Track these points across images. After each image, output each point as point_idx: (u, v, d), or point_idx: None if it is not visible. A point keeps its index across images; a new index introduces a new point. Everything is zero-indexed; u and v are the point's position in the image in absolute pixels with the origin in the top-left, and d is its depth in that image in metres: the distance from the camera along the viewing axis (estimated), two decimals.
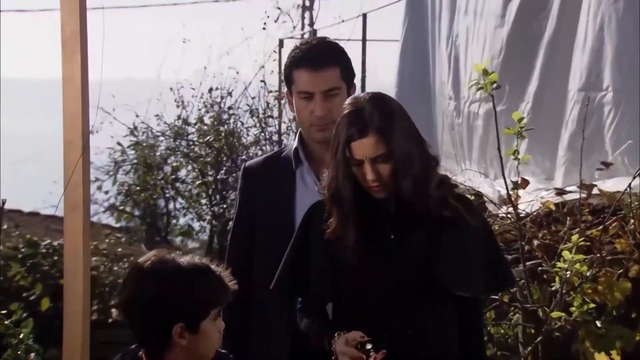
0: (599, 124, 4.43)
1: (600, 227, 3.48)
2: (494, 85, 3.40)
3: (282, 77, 2.95)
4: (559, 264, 3.18)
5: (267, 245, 2.69)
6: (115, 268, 7.91)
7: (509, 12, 5.19)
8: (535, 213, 4.11)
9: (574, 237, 3.22)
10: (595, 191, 3.96)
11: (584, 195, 3.95)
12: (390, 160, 2.35)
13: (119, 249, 8.58)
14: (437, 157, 2.45)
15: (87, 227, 2.94)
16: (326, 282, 2.43)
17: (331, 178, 2.42)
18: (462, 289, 2.41)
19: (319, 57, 2.60)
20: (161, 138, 9.96)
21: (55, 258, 7.19)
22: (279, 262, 2.53)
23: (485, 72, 3.43)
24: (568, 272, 3.12)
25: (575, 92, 4.57)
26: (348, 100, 2.42)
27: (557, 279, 3.20)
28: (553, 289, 3.26)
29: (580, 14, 4.57)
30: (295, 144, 2.75)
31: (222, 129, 9.06)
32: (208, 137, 9.07)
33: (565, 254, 3.15)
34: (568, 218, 3.81)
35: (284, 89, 2.87)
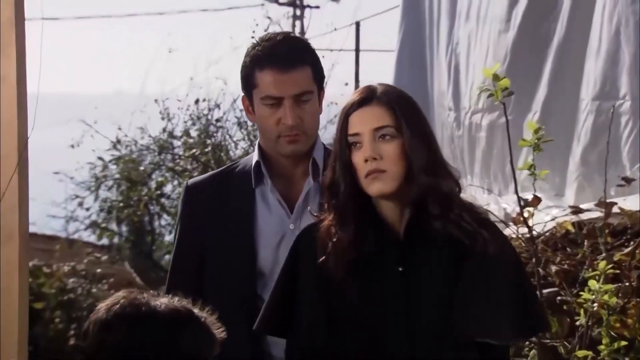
0: (615, 135, 4.13)
1: (626, 250, 3.13)
2: (506, 91, 3.04)
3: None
4: (585, 295, 2.82)
5: (221, 286, 2.26)
6: (94, 290, 7.54)
7: (514, 15, 4.95)
8: (547, 234, 3.76)
9: (602, 264, 2.86)
10: (614, 209, 3.61)
11: (601, 214, 3.60)
12: (398, 138, 1.98)
13: (98, 270, 8.20)
14: (458, 170, 2.08)
15: (24, 263, 2.39)
16: (320, 323, 2.03)
17: (329, 169, 2.06)
18: (488, 334, 1.99)
19: (287, 56, 2.22)
20: (145, 152, 9.63)
21: None
22: (239, 306, 2.16)
23: (496, 78, 3.07)
24: (595, 305, 2.76)
25: (589, 102, 4.32)
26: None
27: (582, 311, 2.84)
28: (578, 323, 2.90)
29: (594, 16, 4.33)
30: (255, 157, 2.34)
31: (209, 142, 8.79)
32: (194, 151, 8.76)
33: (592, 283, 2.79)
34: (586, 240, 3.46)
35: None
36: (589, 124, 4.30)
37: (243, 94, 2.31)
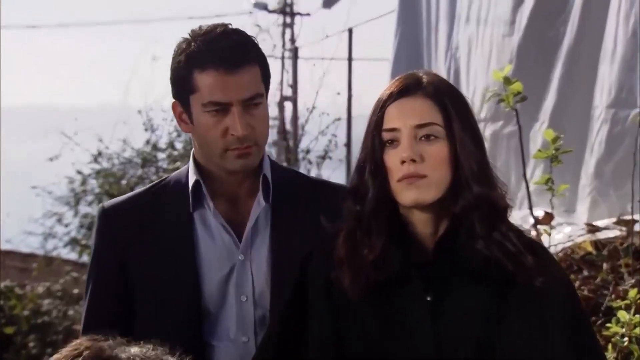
0: (632, 146, 3.84)
1: None
2: (519, 96, 2.75)
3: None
4: (613, 327, 2.51)
5: (157, 333, 1.79)
6: (71, 312, 7.19)
7: (519, 17, 4.72)
8: (561, 254, 3.47)
9: (632, 292, 2.56)
10: (636, 227, 3.33)
11: (622, 233, 3.33)
12: (444, 139, 1.67)
13: (76, 290, 7.86)
14: (504, 183, 1.75)
15: None
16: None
17: (355, 169, 1.73)
18: None
19: (233, 53, 1.87)
20: (128, 165, 9.36)
21: None
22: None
23: (507, 81, 2.78)
24: (625, 340, 2.45)
25: (603, 109, 4.07)
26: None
27: (610, 347, 2.53)
28: None
29: (608, 17, 4.09)
30: (191, 175, 1.99)
31: None
32: (179, 164, 8.51)
33: (622, 314, 2.49)
34: (605, 263, 3.16)
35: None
36: (604, 133, 4.04)
37: (174, 100, 1.95)
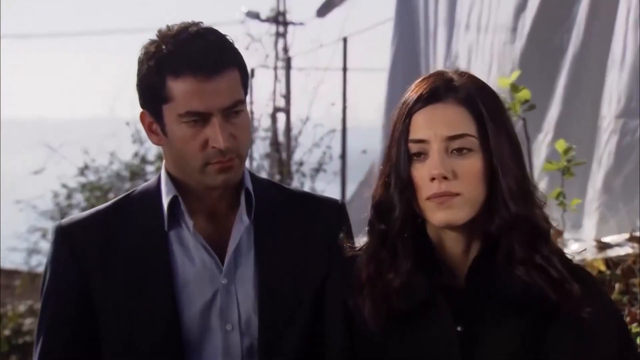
0: None
1: None
2: (526, 104, 2.60)
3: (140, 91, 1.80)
4: None
5: None
6: None
7: (522, 24, 4.63)
8: None
9: None
10: None
11: (634, 250, 3.17)
12: (479, 152, 1.50)
13: None
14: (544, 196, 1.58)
15: None
16: None
17: (378, 183, 1.57)
18: None
19: (210, 56, 1.69)
20: (115, 178, 9.20)
21: None
22: None
23: (514, 88, 2.63)
24: None
25: (612, 120, 3.95)
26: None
27: None
28: None
29: (616, 22, 3.99)
30: (168, 190, 1.81)
31: None
32: None
33: None
34: (617, 284, 3.00)
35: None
36: (612, 145, 3.92)
37: (142, 110, 1.78)
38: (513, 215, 1.49)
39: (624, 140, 3.86)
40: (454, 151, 1.50)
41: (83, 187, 9.08)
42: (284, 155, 10.04)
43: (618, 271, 3.01)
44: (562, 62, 4.29)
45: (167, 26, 1.74)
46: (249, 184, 1.80)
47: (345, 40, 8.24)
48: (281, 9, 11.71)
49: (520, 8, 4.59)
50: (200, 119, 1.69)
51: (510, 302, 1.49)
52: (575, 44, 4.22)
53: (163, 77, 1.69)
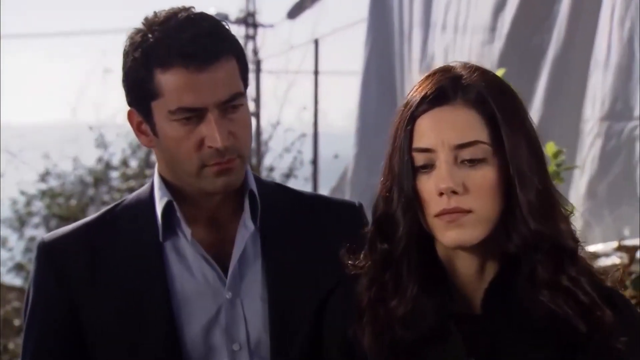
0: (628, 163, 3.74)
1: None
2: None
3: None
4: None
5: None
6: (12, 346, 6.80)
7: (500, 23, 4.59)
8: None
9: None
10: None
11: (621, 260, 3.10)
12: (493, 161, 1.34)
13: (17, 322, 7.47)
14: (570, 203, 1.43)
15: None
16: None
17: (380, 196, 1.41)
18: None
19: (204, 45, 1.54)
20: (78, 184, 9.09)
21: None
22: None
23: None
24: None
25: (596, 123, 3.90)
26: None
27: None
28: None
29: (599, 21, 3.95)
30: (162, 196, 1.66)
31: (150, 172, 8.32)
32: (133, 182, 8.29)
33: None
34: None
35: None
36: (597, 149, 3.85)
37: (130, 108, 1.63)
38: (534, 233, 1.34)
39: (609, 143, 3.78)
40: (465, 161, 1.34)
41: (43, 193, 8.91)
42: (253, 160, 9.94)
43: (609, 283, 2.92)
44: (542, 64, 4.22)
45: (155, 12, 1.59)
46: (253, 186, 1.65)
47: (316, 42, 8.18)
48: (251, 9, 11.62)
49: (499, 7, 4.53)
50: (194, 115, 1.54)
51: (532, 331, 1.34)
52: (557, 44, 4.15)
53: (151, 69, 1.54)
